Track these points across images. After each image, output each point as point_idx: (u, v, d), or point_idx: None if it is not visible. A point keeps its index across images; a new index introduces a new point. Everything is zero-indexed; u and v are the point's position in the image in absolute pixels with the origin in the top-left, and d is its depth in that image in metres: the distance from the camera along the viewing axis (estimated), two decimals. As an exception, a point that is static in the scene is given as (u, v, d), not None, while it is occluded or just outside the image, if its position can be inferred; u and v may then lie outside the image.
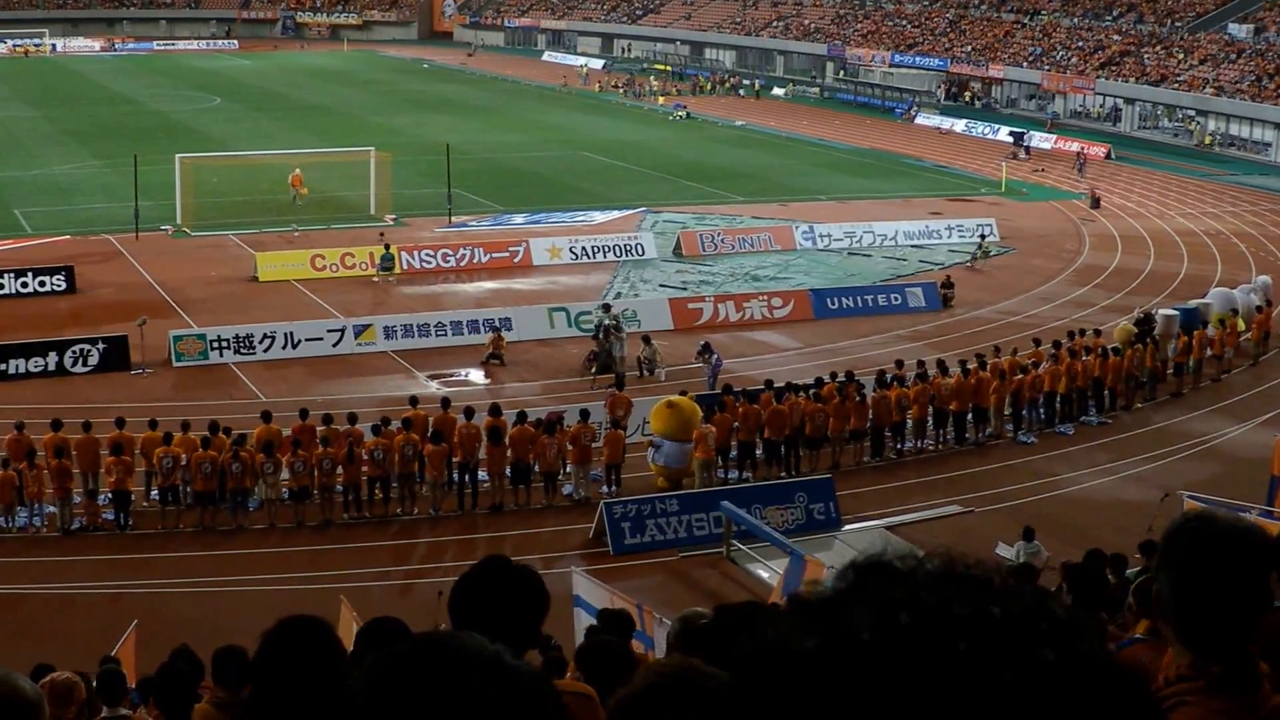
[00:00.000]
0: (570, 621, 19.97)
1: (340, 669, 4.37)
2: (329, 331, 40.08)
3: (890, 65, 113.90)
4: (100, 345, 37.68)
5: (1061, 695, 1.54)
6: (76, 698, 8.02)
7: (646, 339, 38.75)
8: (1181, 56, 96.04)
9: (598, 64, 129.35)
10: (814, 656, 1.57)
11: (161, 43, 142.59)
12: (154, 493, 28.50)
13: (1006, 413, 34.47)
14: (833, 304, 45.83)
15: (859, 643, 1.56)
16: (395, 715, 1.81)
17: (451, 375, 37.95)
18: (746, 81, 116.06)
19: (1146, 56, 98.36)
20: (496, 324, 40.50)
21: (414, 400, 31.41)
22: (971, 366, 34.39)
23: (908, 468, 32.36)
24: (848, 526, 28.22)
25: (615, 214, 61.11)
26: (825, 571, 21.92)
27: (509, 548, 27.06)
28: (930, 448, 33.38)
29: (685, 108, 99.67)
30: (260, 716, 4.49)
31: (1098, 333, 39.10)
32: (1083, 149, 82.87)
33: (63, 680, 8.09)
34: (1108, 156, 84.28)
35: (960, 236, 57.48)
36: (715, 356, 36.91)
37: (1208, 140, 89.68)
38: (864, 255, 55.32)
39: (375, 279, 48.38)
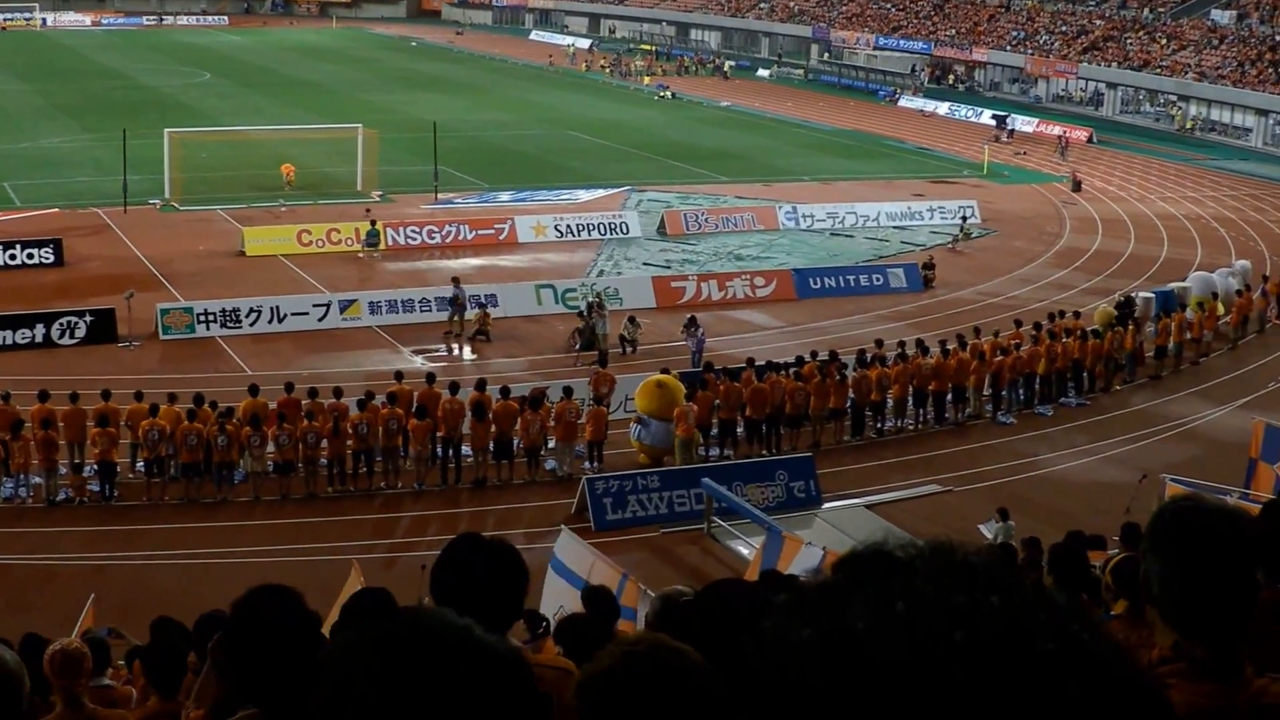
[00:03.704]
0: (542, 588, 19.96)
1: (313, 639, 4.33)
2: (315, 306, 40.06)
3: (875, 48, 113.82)
4: (87, 318, 37.53)
5: (1063, 687, 1.51)
6: (86, 668, 7.89)
7: (633, 319, 38.83)
8: (1164, 42, 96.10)
9: (585, 44, 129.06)
10: (809, 647, 1.55)
11: (151, 18, 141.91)
12: (139, 464, 28.40)
13: (986, 393, 34.54)
14: (815, 284, 45.88)
15: (854, 633, 1.54)
16: (364, 692, 1.80)
17: (437, 351, 38.11)
18: (731, 63, 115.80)
19: (1129, 41, 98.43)
20: (483, 300, 40.54)
21: (399, 375, 31.36)
22: (952, 347, 34.47)
23: (888, 447, 32.39)
24: (827, 505, 28.27)
25: (600, 192, 61.03)
26: (803, 548, 22.03)
27: (491, 522, 27.16)
28: (910, 427, 33.37)
29: (668, 88, 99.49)
30: (232, 686, 4.45)
31: (1078, 315, 39.13)
32: (1065, 132, 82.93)
33: (74, 649, 7.91)
34: (1090, 140, 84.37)
35: (942, 218, 57.52)
36: (700, 331, 36.95)
37: (1189, 125, 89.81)
38: (846, 236, 55.35)
39: (361, 254, 48.37)
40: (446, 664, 1.81)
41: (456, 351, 38.18)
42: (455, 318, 38.96)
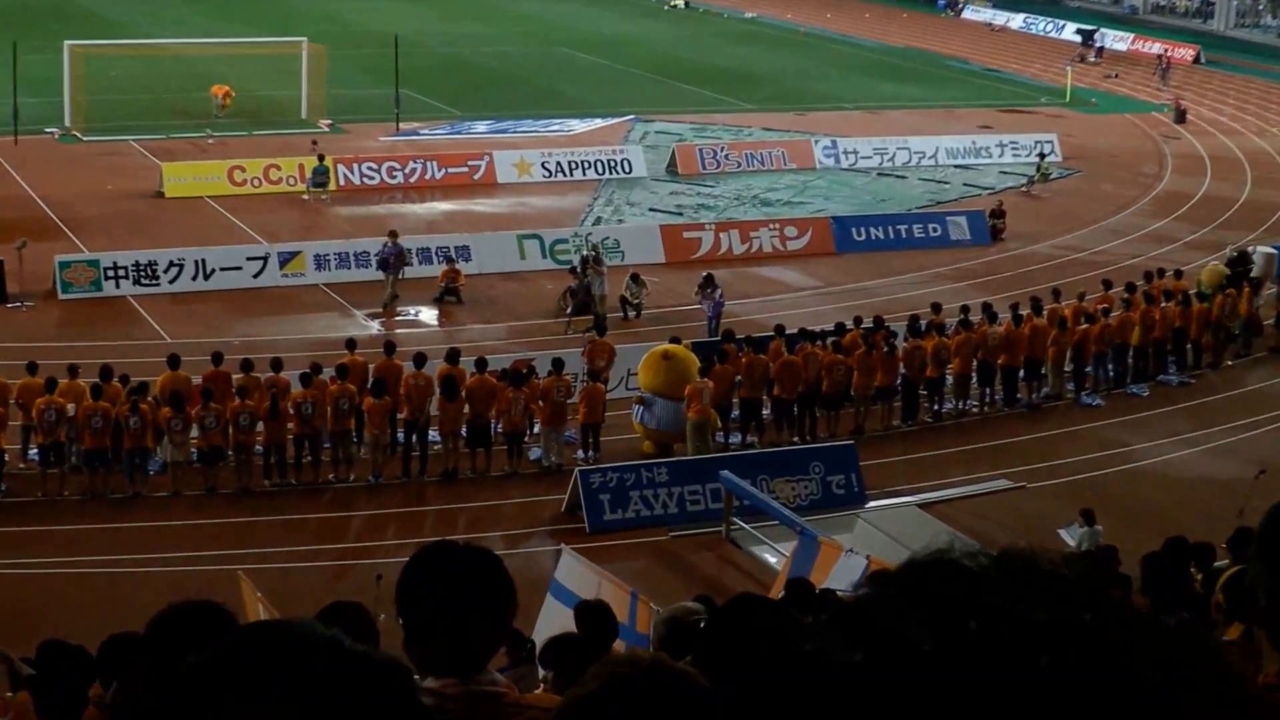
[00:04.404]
0: (537, 610, 20.01)
1: None
2: (249, 260, 40.12)
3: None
4: (-32, 273, 37.46)
5: None
6: None
7: (636, 277, 38.76)
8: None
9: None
10: (860, 672, 1.55)
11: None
12: (32, 451, 28.31)
13: (1067, 369, 34.60)
14: (858, 235, 45.72)
15: (917, 655, 1.54)
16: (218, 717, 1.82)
17: (399, 315, 38.08)
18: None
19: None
20: (451, 255, 40.50)
21: (351, 344, 31.17)
22: (1025, 313, 34.48)
23: (946, 433, 32.38)
24: (873, 504, 28.28)
25: (597, 123, 61.11)
26: (843, 557, 22.00)
27: (463, 523, 27.28)
28: (974, 409, 33.49)
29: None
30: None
31: (1180, 274, 39.13)
32: (1166, 51, 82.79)
33: None
34: (1196, 60, 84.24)
35: (1014, 156, 57.60)
36: (718, 293, 36.84)
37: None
38: (897, 177, 55.44)
39: (306, 197, 48.32)
40: (313, 683, 1.81)
41: (414, 312, 38.15)
42: (391, 282, 38.51)
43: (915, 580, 1.64)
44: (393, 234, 39.57)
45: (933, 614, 1.56)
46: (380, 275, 38.75)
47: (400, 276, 38.63)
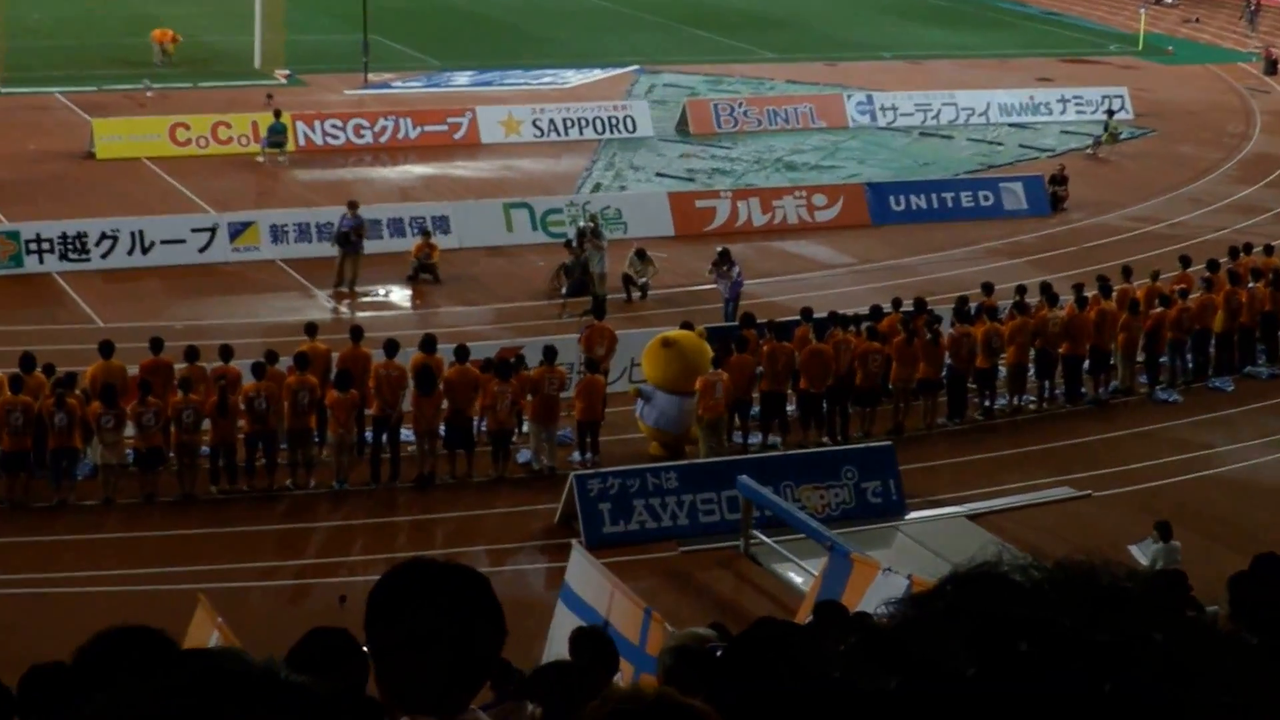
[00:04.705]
0: (527, 637, 19.63)
1: None
2: (194, 231, 40.04)
3: None
4: None
5: None
6: None
7: (641, 253, 38.71)
8: None
9: None
10: (895, 701, 1.54)
11: None
12: (-58, 454, 27.71)
13: (1139, 359, 34.53)
14: (898, 204, 45.81)
15: (960, 681, 1.54)
16: None
17: (368, 296, 38.04)
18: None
19: None
20: (427, 226, 40.45)
21: (312, 329, 30.88)
22: (1091, 294, 34.36)
23: (999, 433, 32.30)
24: (914, 514, 28.18)
25: (597, 74, 61.29)
26: (880, 575, 21.50)
27: (441, 537, 27.27)
28: (1031, 406, 33.42)
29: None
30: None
31: (1270, 250, 39.01)
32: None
33: None
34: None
35: (1079, 112, 57.71)
36: (736, 271, 36.65)
37: None
38: (942, 137, 55.56)
39: (261, 159, 48.50)
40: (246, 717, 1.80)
41: (385, 292, 38.04)
42: (346, 262, 38.27)
43: (957, 597, 1.63)
44: (352, 205, 39.34)
45: (977, 634, 1.55)
46: (336, 254, 38.46)
47: (359, 253, 38.26)
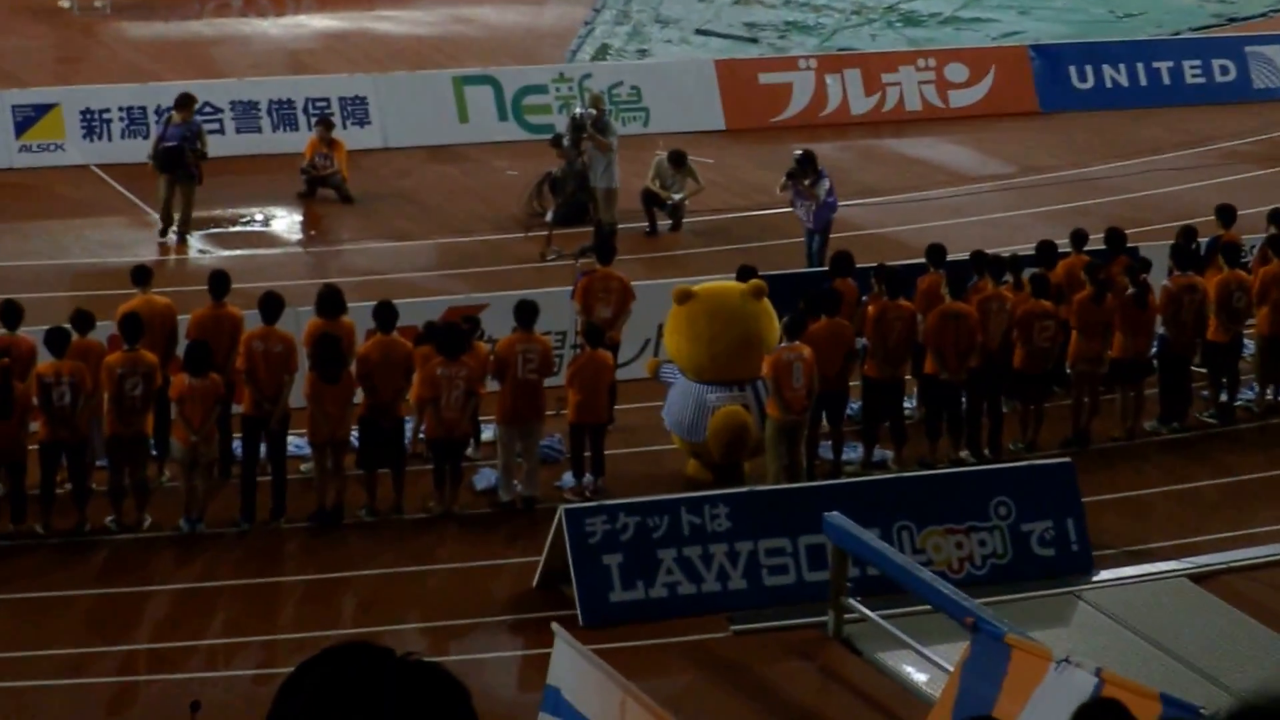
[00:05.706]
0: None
1: None
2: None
3: None
4: None
5: None
6: None
7: (677, 157, 33.16)
8: None
9: None
10: None
11: None
12: None
13: None
14: (1081, 79, 41.11)
15: None
16: None
17: (238, 221, 33.66)
18: None
19: None
20: (330, 113, 35.57)
21: (142, 274, 25.08)
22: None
23: (1241, 444, 26.85)
24: (1105, 573, 23.22)
25: None
26: (1051, 670, 17.77)
27: (352, 609, 22.23)
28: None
29: None
30: None
31: None
32: None
33: None
34: None
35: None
36: (825, 186, 30.43)
37: None
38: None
39: (67, 3, 45.86)
40: None
41: (260, 218, 33.78)
42: (175, 193, 31.53)
43: None
44: (183, 101, 32.33)
45: None
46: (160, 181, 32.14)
47: (193, 181, 31.63)
